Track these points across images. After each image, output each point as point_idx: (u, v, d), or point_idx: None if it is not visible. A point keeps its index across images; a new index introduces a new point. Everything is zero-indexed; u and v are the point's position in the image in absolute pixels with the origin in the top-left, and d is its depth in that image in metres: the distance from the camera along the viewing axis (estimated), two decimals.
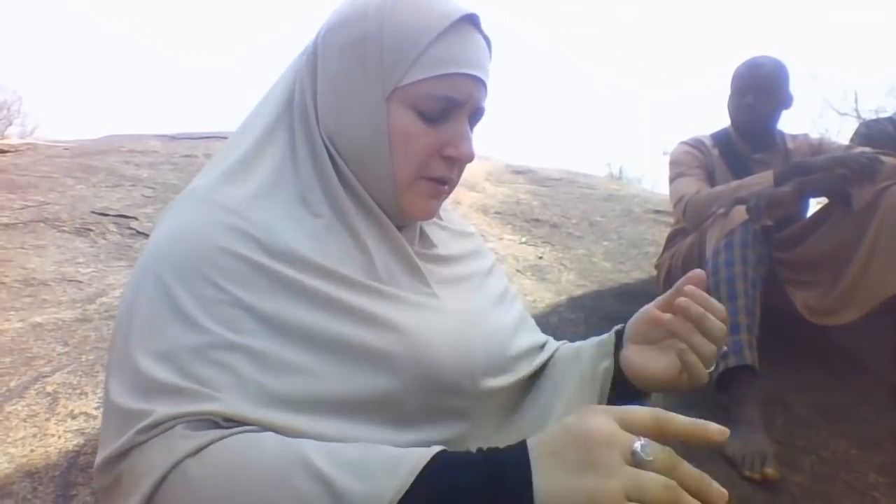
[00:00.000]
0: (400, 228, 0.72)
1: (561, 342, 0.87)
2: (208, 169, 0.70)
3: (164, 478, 0.50)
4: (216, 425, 0.52)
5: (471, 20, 0.68)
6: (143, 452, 0.51)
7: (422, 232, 0.77)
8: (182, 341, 0.55)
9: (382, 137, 0.67)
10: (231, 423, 0.53)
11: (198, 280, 0.58)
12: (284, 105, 0.72)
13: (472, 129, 0.71)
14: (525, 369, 0.77)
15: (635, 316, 0.72)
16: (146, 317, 0.57)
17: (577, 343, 0.82)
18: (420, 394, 0.63)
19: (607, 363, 0.73)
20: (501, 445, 0.52)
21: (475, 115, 0.71)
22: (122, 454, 0.52)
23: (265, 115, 0.71)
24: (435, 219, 0.81)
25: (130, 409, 0.53)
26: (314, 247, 0.64)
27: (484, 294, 0.78)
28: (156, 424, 0.51)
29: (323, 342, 0.59)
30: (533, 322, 0.86)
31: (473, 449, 0.53)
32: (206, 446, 0.50)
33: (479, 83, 0.69)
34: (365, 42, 0.66)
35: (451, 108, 0.67)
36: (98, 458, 0.54)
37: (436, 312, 0.68)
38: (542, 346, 0.84)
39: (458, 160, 0.70)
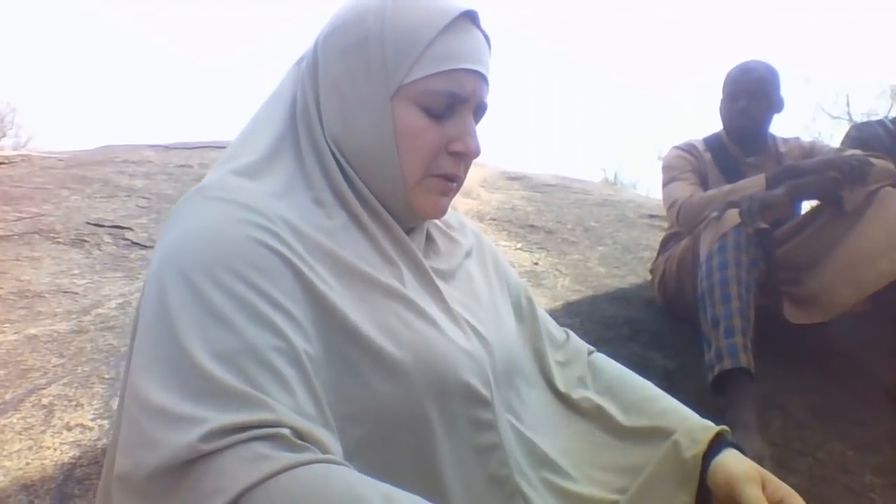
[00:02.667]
0: (407, 232, 0.72)
1: (591, 351, 0.90)
2: (217, 171, 0.68)
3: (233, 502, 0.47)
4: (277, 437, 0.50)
5: (470, 17, 0.69)
6: (211, 468, 0.48)
7: (427, 235, 0.77)
8: (223, 344, 0.53)
9: (389, 136, 0.67)
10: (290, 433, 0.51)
11: (227, 275, 0.56)
12: (288, 112, 0.71)
13: (475, 125, 0.72)
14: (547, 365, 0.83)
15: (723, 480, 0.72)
16: (181, 317, 0.54)
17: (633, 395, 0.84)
18: (436, 402, 0.64)
19: (686, 499, 0.72)
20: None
21: (478, 110, 0.72)
22: (186, 464, 0.48)
23: (271, 122, 0.71)
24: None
25: (179, 412, 0.49)
26: (337, 244, 0.64)
27: (485, 290, 0.80)
28: (213, 434, 0.48)
29: (354, 344, 0.60)
30: (533, 308, 0.88)
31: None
32: (276, 473, 0.48)
33: (481, 78, 0.69)
34: (367, 43, 0.67)
35: (455, 103, 0.68)
36: (135, 463, 0.50)
37: (446, 322, 0.68)
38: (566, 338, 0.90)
39: (465, 155, 0.70)
